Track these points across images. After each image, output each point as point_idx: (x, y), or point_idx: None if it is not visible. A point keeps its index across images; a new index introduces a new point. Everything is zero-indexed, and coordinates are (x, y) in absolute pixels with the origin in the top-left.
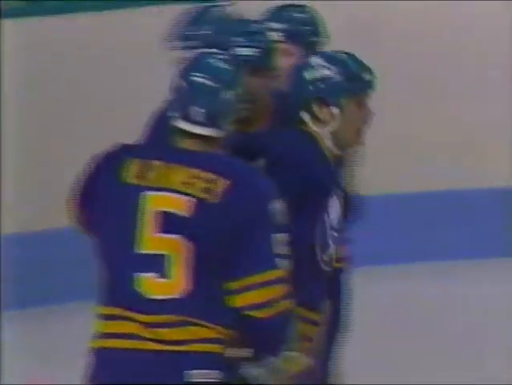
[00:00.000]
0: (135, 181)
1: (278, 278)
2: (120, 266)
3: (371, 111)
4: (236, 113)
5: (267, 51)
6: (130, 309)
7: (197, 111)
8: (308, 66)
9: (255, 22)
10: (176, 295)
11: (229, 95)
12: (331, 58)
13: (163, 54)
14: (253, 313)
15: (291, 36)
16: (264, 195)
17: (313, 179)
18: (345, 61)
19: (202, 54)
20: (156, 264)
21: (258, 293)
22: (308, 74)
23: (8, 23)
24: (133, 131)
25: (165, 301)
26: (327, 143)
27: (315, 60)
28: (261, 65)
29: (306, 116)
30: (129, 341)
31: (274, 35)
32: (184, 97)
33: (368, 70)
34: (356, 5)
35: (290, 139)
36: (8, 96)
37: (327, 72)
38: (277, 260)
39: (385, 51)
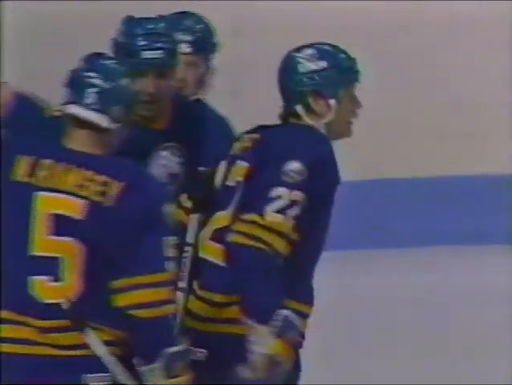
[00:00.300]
0: (26, 180)
1: (164, 281)
2: (14, 269)
3: (360, 102)
4: (127, 110)
5: (171, 54)
6: (25, 313)
7: (89, 95)
8: (300, 59)
9: (159, 23)
10: (69, 299)
11: (116, 89)
12: (322, 51)
13: None
14: (136, 312)
15: (196, 47)
16: (155, 198)
17: (337, 177)
18: (336, 53)
19: (93, 55)
20: (49, 267)
21: (143, 294)
22: (302, 68)
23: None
24: None
25: (59, 305)
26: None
27: (307, 53)
28: (165, 67)
29: (300, 109)
30: (25, 346)
31: (181, 47)
32: (75, 90)
33: (354, 60)
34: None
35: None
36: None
37: (321, 64)
38: (165, 263)
39: None
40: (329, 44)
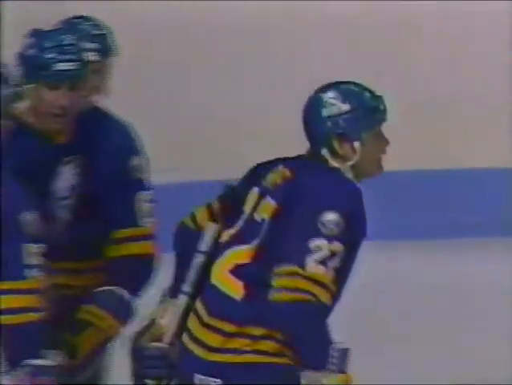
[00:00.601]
0: None
1: (25, 289)
2: None
3: (387, 139)
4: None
5: (82, 64)
6: None
7: None
8: (324, 102)
9: (67, 34)
10: None
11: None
12: (345, 93)
13: None
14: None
15: (102, 53)
16: (11, 207)
17: (365, 231)
18: (360, 94)
19: None
20: None
21: (7, 299)
22: (326, 111)
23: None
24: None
25: None
26: (348, 176)
27: (330, 95)
28: (77, 78)
29: (325, 152)
30: None
31: (89, 55)
32: None
33: (380, 98)
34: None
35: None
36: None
37: (344, 108)
38: (26, 270)
39: None
40: (354, 83)
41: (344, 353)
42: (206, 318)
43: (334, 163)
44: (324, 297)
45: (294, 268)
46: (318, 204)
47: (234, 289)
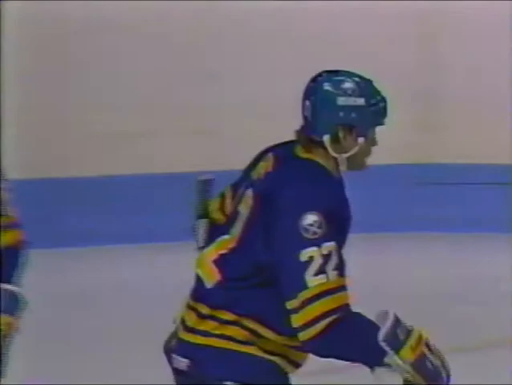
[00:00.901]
0: None
1: None
2: None
3: (377, 141)
4: None
5: None
6: None
7: None
8: (342, 90)
9: None
10: None
11: None
12: (363, 87)
13: None
14: None
15: None
16: None
17: (349, 214)
18: (374, 92)
19: None
20: None
21: None
22: (341, 100)
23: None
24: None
25: None
26: (342, 168)
27: (348, 86)
28: None
29: (327, 139)
30: None
31: None
32: None
33: (387, 101)
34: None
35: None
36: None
37: (359, 102)
38: None
39: None
40: (368, 80)
41: (389, 322)
42: (190, 301)
43: (332, 151)
44: (341, 300)
45: (299, 295)
46: (294, 206)
47: (211, 276)
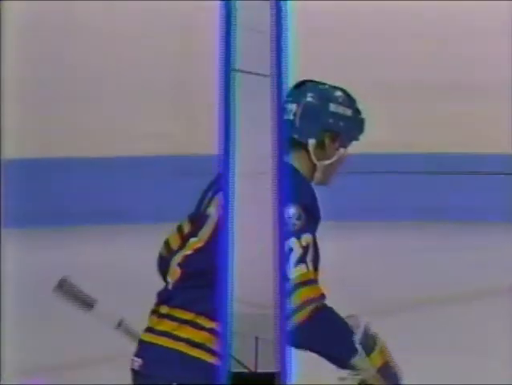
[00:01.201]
0: None
1: None
2: None
3: (348, 156)
4: None
5: None
6: None
7: None
8: (334, 97)
9: None
10: None
11: None
12: (350, 99)
13: None
14: None
15: None
16: None
17: (319, 214)
18: (357, 106)
19: None
20: None
21: None
22: (333, 107)
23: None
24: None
25: None
26: (318, 175)
27: (340, 95)
28: None
29: (312, 143)
30: None
31: None
32: None
33: (364, 118)
34: None
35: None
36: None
37: (347, 112)
38: None
39: None
40: (351, 94)
41: (366, 331)
42: (153, 307)
43: (313, 156)
44: (319, 290)
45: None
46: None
47: (173, 276)
